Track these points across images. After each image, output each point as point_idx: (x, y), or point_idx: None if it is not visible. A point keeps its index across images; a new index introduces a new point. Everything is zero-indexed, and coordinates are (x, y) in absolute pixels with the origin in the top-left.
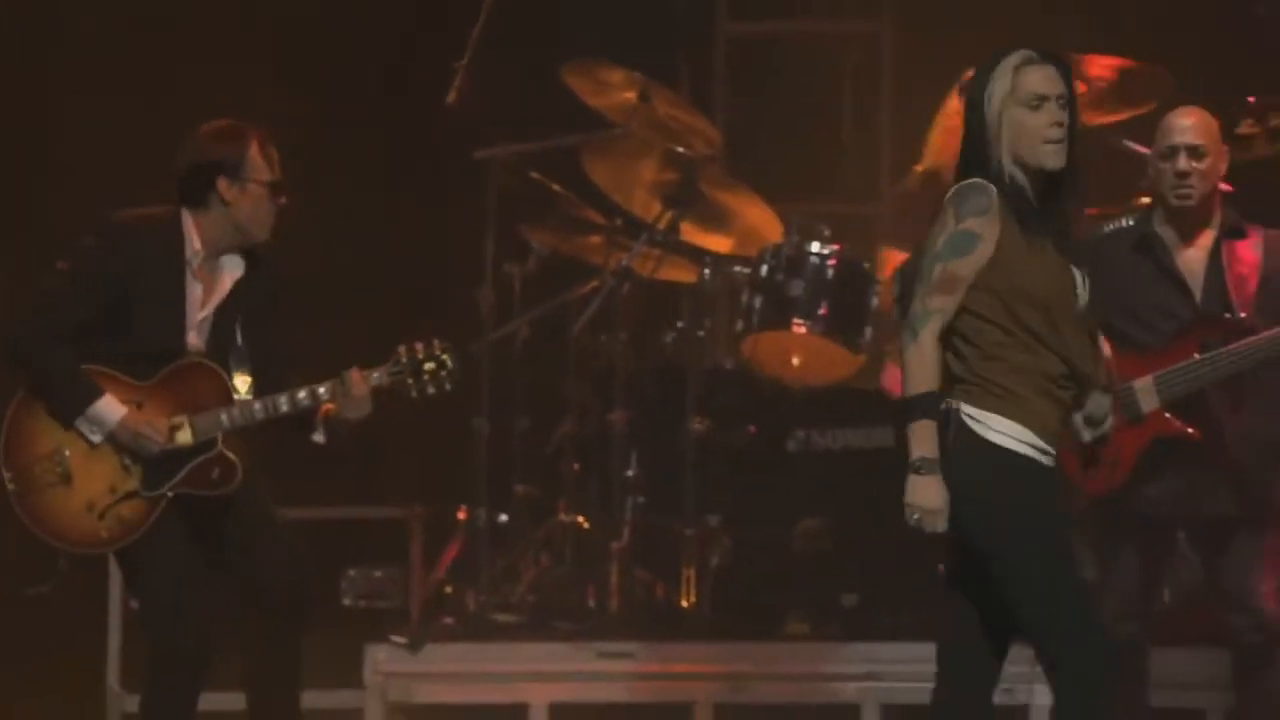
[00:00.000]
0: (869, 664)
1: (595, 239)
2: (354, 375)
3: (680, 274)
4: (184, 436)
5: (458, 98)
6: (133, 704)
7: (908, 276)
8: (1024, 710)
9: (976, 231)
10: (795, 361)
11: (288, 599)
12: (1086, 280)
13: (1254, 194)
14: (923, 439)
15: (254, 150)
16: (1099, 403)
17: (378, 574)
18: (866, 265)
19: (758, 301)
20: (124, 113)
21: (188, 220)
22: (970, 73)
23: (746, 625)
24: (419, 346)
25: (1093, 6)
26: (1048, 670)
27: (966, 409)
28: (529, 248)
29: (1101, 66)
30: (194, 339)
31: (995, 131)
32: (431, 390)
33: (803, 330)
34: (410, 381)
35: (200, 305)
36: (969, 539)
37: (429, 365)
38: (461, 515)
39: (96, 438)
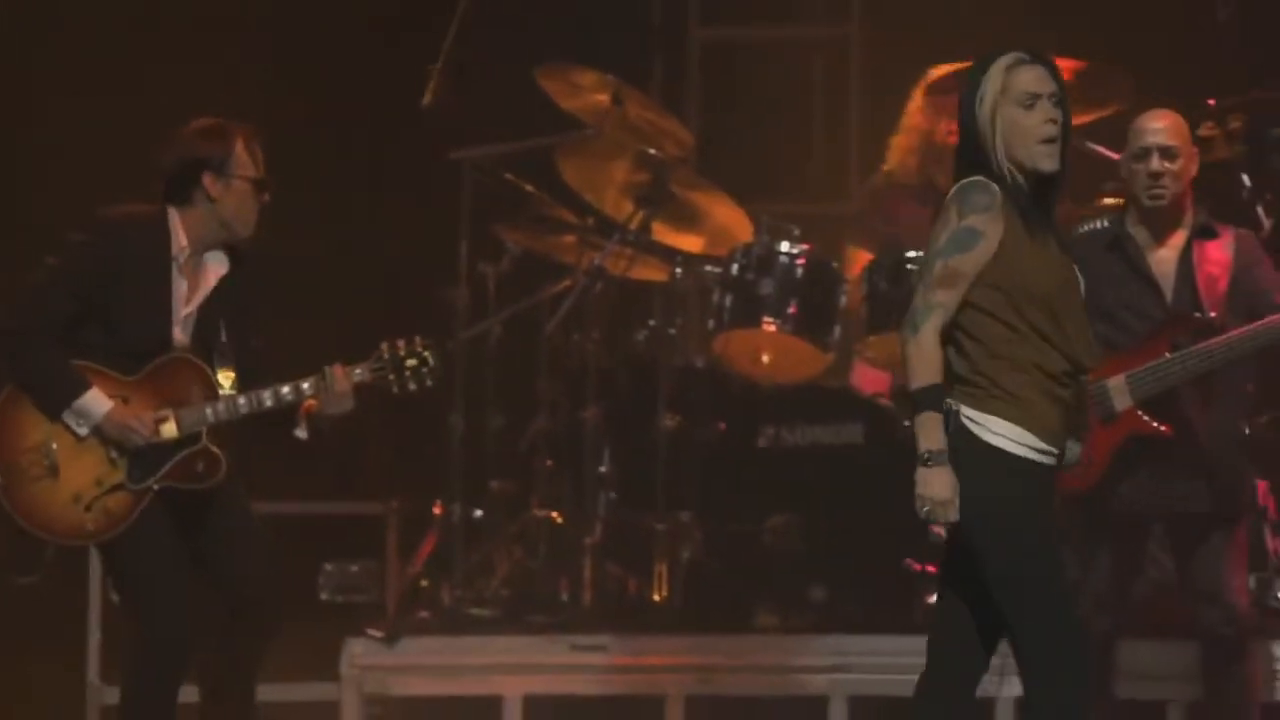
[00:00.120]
0: (837, 656)
1: (568, 239)
2: (336, 371)
3: (652, 273)
4: (169, 430)
5: (433, 100)
6: (112, 696)
7: (876, 275)
8: (990, 703)
9: (978, 228)
10: (765, 359)
11: (260, 596)
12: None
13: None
14: (929, 431)
15: (239, 147)
16: (1071, 450)
17: (354, 568)
18: (835, 265)
19: (728, 300)
20: (109, 111)
21: (174, 217)
22: (936, 72)
23: (717, 618)
24: (400, 343)
25: (1054, 10)
26: (1021, 667)
27: (966, 410)
28: (503, 247)
29: (1062, 69)
30: (179, 335)
31: (990, 132)
32: (413, 386)
33: (772, 328)
34: (392, 377)
35: (185, 301)
36: (964, 536)
37: (410, 361)
38: (437, 510)
39: (83, 431)
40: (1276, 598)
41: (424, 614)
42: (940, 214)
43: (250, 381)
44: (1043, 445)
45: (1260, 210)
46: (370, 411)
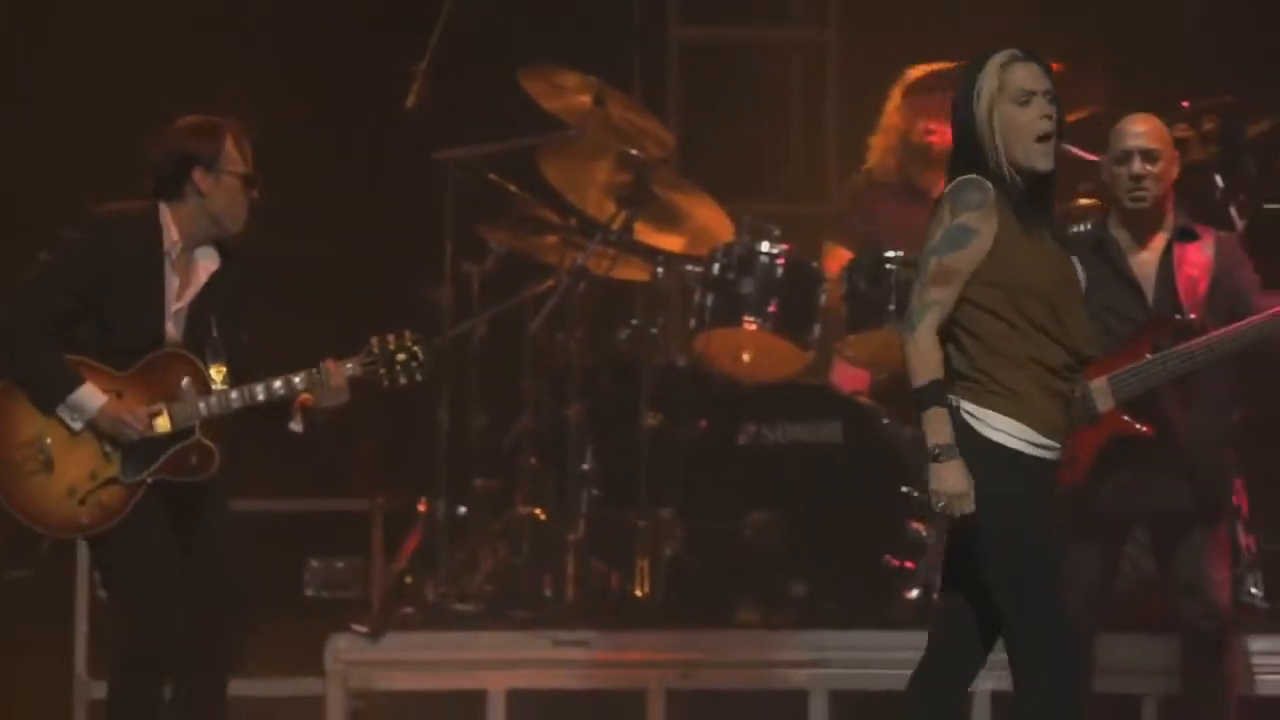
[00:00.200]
0: (817, 651)
1: (551, 239)
2: (330, 365)
3: (634, 273)
4: (163, 424)
5: (417, 101)
6: (100, 691)
7: (855, 274)
8: (969, 696)
9: (972, 226)
10: (746, 358)
11: (240, 590)
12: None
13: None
14: (937, 426)
15: (229, 144)
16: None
17: (339, 564)
18: (815, 264)
19: (709, 299)
20: (109, 111)
21: (165, 213)
22: (914, 73)
23: (698, 614)
24: (390, 338)
25: (1028, 13)
26: (1016, 665)
27: (967, 406)
28: (487, 247)
29: None
30: (171, 330)
31: (987, 129)
32: (403, 380)
33: (753, 327)
34: (383, 372)
35: (177, 297)
36: (966, 532)
37: (401, 356)
38: (421, 507)
39: (77, 425)
40: (1250, 593)
41: (408, 609)
42: (934, 212)
43: (241, 376)
44: (1042, 440)
45: (1233, 211)
46: (355, 409)
